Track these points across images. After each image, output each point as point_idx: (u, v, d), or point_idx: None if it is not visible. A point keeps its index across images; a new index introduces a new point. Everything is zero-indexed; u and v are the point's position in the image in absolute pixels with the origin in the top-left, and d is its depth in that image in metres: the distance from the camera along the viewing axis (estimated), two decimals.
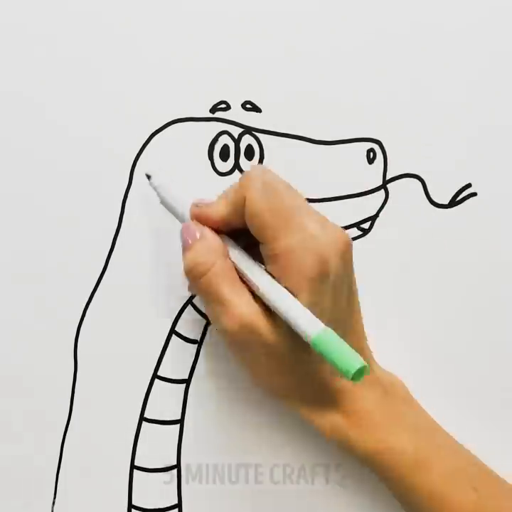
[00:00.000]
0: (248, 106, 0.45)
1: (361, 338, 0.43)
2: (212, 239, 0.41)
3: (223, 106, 0.45)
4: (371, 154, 0.46)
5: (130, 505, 0.45)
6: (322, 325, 0.37)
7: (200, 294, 0.41)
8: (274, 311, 0.39)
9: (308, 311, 0.38)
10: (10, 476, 0.45)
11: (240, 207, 0.40)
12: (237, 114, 0.45)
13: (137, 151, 0.44)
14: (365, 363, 0.36)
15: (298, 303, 0.38)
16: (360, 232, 0.46)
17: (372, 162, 0.46)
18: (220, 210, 0.41)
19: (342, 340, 0.37)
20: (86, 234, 0.45)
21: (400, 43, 0.46)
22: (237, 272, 0.40)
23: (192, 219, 0.41)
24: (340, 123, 0.46)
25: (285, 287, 0.39)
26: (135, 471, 0.45)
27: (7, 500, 0.45)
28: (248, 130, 0.45)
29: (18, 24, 0.44)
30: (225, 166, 0.45)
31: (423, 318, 0.47)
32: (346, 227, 0.46)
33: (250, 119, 0.45)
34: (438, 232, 0.47)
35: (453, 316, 0.47)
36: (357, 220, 0.46)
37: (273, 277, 0.39)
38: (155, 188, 0.43)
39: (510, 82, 0.47)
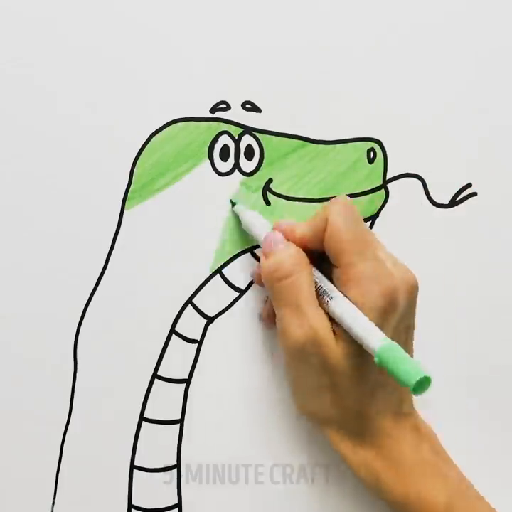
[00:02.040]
0: (248, 106, 0.45)
1: None
2: (299, 250, 0.42)
3: (223, 106, 0.45)
4: (371, 154, 0.46)
5: (130, 505, 0.45)
6: (388, 339, 0.38)
7: (276, 297, 0.41)
8: (341, 331, 0.40)
9: (375, 326, 0.38)
10: (10, 476, 0.45)
11: (321, 229, 0.41)
12: (237, 114, 0.45)
13: (137, 151, 0.44)
14: (430, 375, 0.36)
15: (366, 318, 0.39)
16: None
17: (372, 162, 0.46)
18: (302, 229, 0.42)
19: (406, 353, 0.37)
20: (86, 234, 0.45)
21: (400, 42, 0.46)
22: None
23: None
24: (340, 123, 0.46)
25: None
26: (135, 471, 0.45)
27: (7, 500, 0.45)
28: (248, 130, 0.45)
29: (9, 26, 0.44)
30: (225, 166, 0.45)
31: (423, 317, 0.47)
32: None
33: (250, 119, 0.45)
34: (438, 232, 0.47)
35: (453, 316, 0.47)
36: None
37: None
38: (238, 213, 0.45)
39: (510, 82, 0.47)
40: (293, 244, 0.42)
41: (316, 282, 0.41)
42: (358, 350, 0.39)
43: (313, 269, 0.42)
